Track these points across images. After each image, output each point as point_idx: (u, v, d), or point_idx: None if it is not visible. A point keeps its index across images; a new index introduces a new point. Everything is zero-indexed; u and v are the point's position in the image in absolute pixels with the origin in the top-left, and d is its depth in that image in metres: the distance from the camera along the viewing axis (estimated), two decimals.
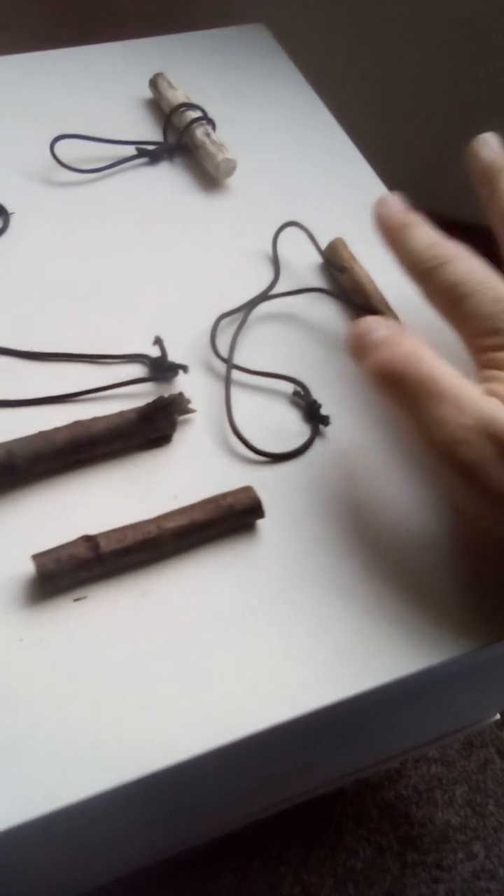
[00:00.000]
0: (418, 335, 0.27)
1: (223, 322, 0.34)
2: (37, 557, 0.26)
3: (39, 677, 0.25)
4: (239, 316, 0.35)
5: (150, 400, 0.30)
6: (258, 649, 0.26)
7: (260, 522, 0.28)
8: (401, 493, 0.30)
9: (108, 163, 0.41)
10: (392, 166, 0.48)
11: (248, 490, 0.28)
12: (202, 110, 0.43)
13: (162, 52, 0.49)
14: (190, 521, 0.27)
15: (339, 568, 0.28)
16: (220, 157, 0.40)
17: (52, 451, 0.29)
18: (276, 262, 0.37)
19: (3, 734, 0.23)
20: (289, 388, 0.33)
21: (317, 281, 0.38)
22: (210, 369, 0.33)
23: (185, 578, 0.27)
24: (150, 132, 0.44)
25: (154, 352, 0.32)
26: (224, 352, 0.33)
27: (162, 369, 0.32)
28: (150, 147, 0.42)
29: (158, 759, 0.23)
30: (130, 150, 0.42)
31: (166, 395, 0.30)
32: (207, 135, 0.42)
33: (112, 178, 0.41)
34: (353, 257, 0.37)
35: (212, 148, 0.41)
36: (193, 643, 0.26)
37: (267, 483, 0.30)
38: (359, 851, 0.63)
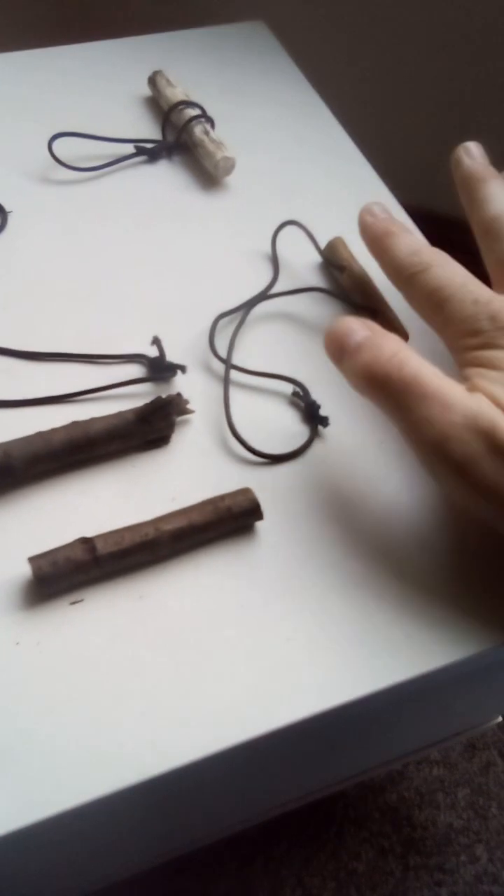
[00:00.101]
0: (395, 335, 0.27)
1: (222, 322, 0.34)
2: (33, 560, 0.25)
3: (36, 681, 0.24)
4: (238, 315, 0.34)
5: (148, 400, 0.30)
6: (257, 653, 0.25)
7: (258, 524, 0.28)
8: (400, 495, 0.29)
9: (106, 161, 0.41)
10: (392, 165, 0.47)
11: (246, 492, 0.28)
12: (201, 108, 0.43)
13: (161, 49, 0.49)
14: (188, 523, 0.27)
15: (339, 570, 0.27)
16: (219, 155, 0.40)
17: (50, 451, 0.28)
18: (275, 261, 0.37)
19: (0, 739, 0.23)
20: (288, 388, 0.32)
21: (316, 280, 0.37)
22: (208, 369, 0.33)
23: (183, 581, 0.27)
24: (148, 130, 0.44)
25: (152, 352, 0.32)
26: (223, 352, 0.33)
27: (160, 369, 0.32)
28: (149, 145, 0.42)
29: (157, 764, 0.23)
30: (129, 149, 0.42)
31: (164, 395, 0.30)
32: (206, 133, 0.41)
33: (110, 177, 0.41)
34: (352, 256, 0.36)
35: (210, 146, 0.41)
36: (191, 646, 0.25)
37: (266, 484, 0.29)
38: (361, 854, 0.63)
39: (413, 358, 0.26)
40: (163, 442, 0.30)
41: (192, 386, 0.32)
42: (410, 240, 0.31)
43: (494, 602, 0.27)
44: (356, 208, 0.38)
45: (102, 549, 0.26)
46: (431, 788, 0.67)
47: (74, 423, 0.29)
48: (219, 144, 0.41)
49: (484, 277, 0.29)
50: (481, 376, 0.26)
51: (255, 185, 0.41)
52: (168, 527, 0.27)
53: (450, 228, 0.34)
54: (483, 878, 0.63)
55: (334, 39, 0.79)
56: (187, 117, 0.42)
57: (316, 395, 0.32)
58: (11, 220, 0.38)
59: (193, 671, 0.25)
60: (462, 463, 0.24)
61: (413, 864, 0.63)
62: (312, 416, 0.31)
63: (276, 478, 0.30)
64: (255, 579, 0.27)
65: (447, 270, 0.28)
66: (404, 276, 0.30)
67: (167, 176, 0.42)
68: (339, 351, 0.27)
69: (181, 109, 0.43)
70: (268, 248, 0.38)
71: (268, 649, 0.25)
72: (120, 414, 0.29)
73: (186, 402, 0.30)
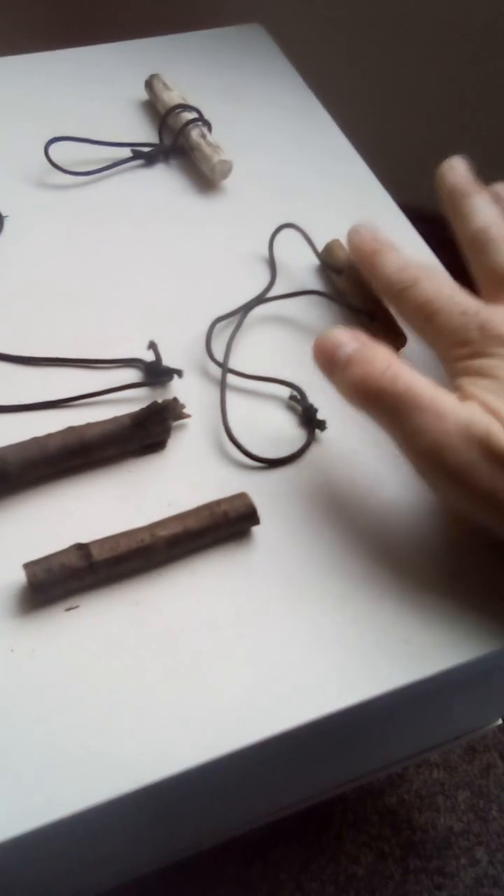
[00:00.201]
0: (384, 346, 0.27)
1: (219, 325, 0.34)
2: (28, 566, 0.25)
3: (31, 689, 0.24)
4: (234, 319, 0.34)
5: (144, 405, 0.29)
6: (253, 659, 0.25)
7: (255, 529, 0.28)
8: (398, 498, 0.29)
9: (103, 165, 0.41)
10: (389, 166, 0.47)
11: (242, 497, 0.27)
12: (198, 111, 0.43)
13: (158, 52, 0.49)
14: (184, 528, 0.27)
15: (336, 575, 0.27)
16: (216, 158, 0.40)
17: (45, 457, 0.28)
18: (272, 264, 0.37)
19: None
20: (285, 392, 0.32)
21: (314, 283, 0.37)
22: (205, 374, 0.33)
23: (178, 587, 0.27)
24: (145, 134, 0.44)
25: (149, 356, 0.32)
26: (219, 356, 0.33)
27: (156, 374, 0.32)
28: (146, 149, 0.42)
29: (153, 771, 0.23)
30: (126, 153, 0.42)
31: (161, 400, 0.29)
32: (203, 136, 0.41)
33: (107, 181, 0.41)
34: (349, 259, 0.36)
35: (207, 150, 0.41)
36: (188, 653, 0.25)
37: (262, 489, 0.29)
38: (360, 858, 0.63)
39: (405, 370, 0.26)
40: (159, 447, 0.30)
41: (189, 390, 0.32)
42: (398, 256, 0.32)
43: (493, 606, 0.27)
44: (354, 210, 0.38)
45: (98, 555, 0.26)
46: (431, 791, 0.67)
47: (70, 429, 0.29)
48: (215, 148, 0.41)
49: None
50: (473, 385, 0.26)
51: (252, 188, 0.41)
52: (164, 532, 0.26)
53: (447, 229, 0.34)
54: (483, 881, 0.63)
55: (332, 42, 0.79)
56: (184, 121, 0.42)
57: (313, 398, 0.32)
58: (8, 225, 0.38)
59: (190, 677, 0.25)
60: (457, 471, 0.24)
61: (413, 867, 0.63)
62: (309, 420, 0.31)
63: (273, 482, 0.30)
64: (251, 585, 0.27)
65: (434, 284, 0.29)
66: (394, 292, 0.31)
67: (164, 180, 0.42)
68: (330, 364, 0.27)
69: (178, 113, 0.42)
70: (265, 251, 0.38)
71: (265, 655, 0.25)
72: (116, 419, 0.29)
73: (183, 406, 0.30)
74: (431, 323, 0.29)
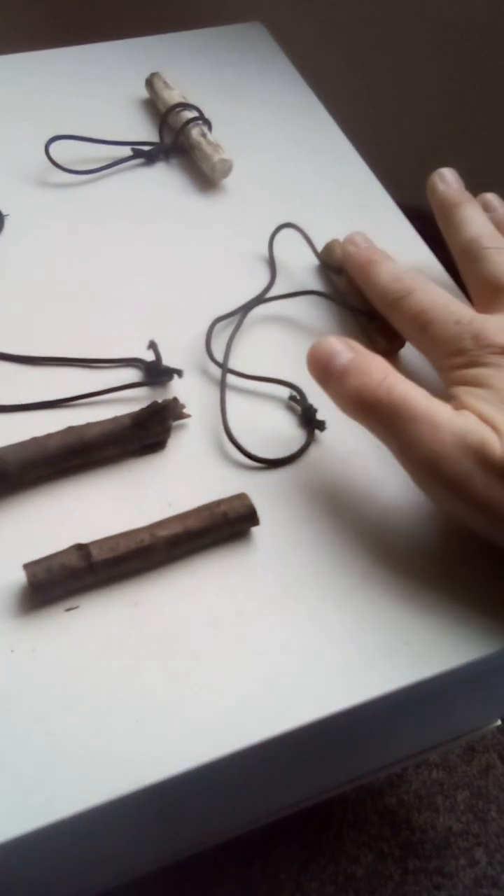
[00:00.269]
0: (379, 356, 0.27)
1: (219, 325, 0.34)
2: (28, 566, 0.25)
3: (31, 689, 0.24)
4: (234, 319, 0.34)
5: (144, 405, 0.29)
6: (253, 660, 0.25)
7: (254, 530, 0.28)
8: (397, 499, 0.29)
9: (103, 164, 0.41)
10: (389, 165, 0.47)
11: (242, 497, 0.27)
12: (198, 110, 0.42)
13: (158, 51, 0.49)
14: (183, 528, 0.27)
15: (336, 576, 0.27)
16: (216, 157, 0.40)
17: (45, 457, 0.28)
18: (272, 264, 0.37)
19: None
20: (284, 392, 0.32)
21: (313, 283, 0.37)
22: (205, 373, 0.33)
23: (178, 587, 0.27)
24: (146, 132, 0.44)
25: (149, 356, 0.32)
26: (219, 356, 0.33)
27: (156, 374, 0.32)
28: (146, 148, 0.42)
29: (152, 773, 0.23)
30: (126, 151, 0.42)
31: (161, 399, 0.29)
32: (203, 135, 0.41)
33: (107, 180, 0.41)
34: None
35: (208, 148, 0.40)
36: (187, 654, 0.25)
37: (262, 489, 0.29)
38: (360, 858, 0.63)
39: (400, 381, 0.26)
40: (159, 447, 0.30)
41: (189, 390, 0.32)
42: (392, 266, 0.32)
43: (492, 608, 0.27)
44: (354, 209, 0.38)
45: (97, 555, 0.26)
46: (431, 791, 0.67)
47: (70, 428, 0.29)
48: (216, 147, 0.40)
49: None
50: (468, 394, 0.26)
51: (252, 187, 0.41)
52: (164, 533, 0.26)
53: None
54: (482, 881, 0.63)
55: (332, 40, 0.79)
56: (184, 119, 0.42)
57: (312, 398, 0.32)
58: (8, 223, 0.38)
59: (189, 678, 0.25)
60: (454, 480, 0.25)
61: (412, 867, 0.63)
62: (309, 421, 0.31)
63: (273, 482, 0.29)
64: (251, 585, 0.27)
65: (429, 294, 0.30)
66: (388, 302, 0.31)
67: (164, 178, 0.42)
68: (325, 373, 0.28)
69: (178, 111, 0.42)
70: (265, 250, 0.38)
71: (264, 656, 0.25)
72: (116, 419, 0.29)
73: (183, 406, 0.30)
74: (426, 333, 0.29)
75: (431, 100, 0.83)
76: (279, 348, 0.34)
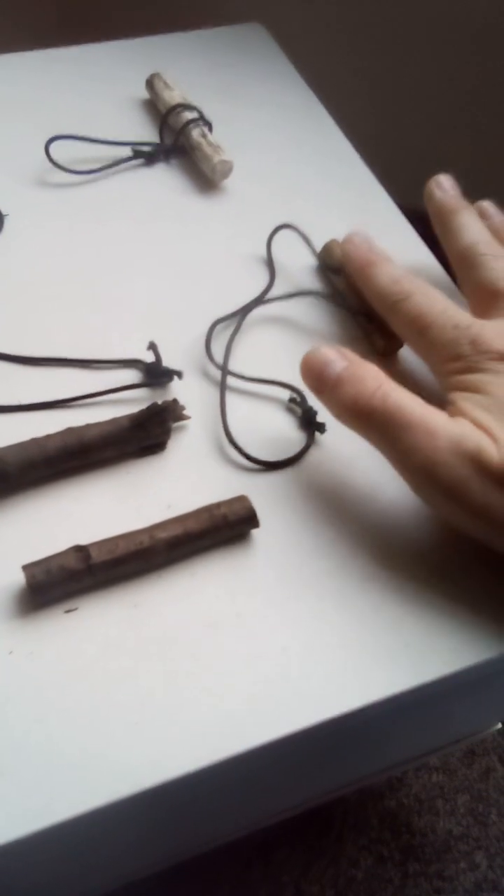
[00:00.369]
0: (373, 364, 0.27)
1: (219, 326, 0.34)
2: (27, 568, 0.25)
3: (30, 691, 0.24)
4: (234, 320, 0.34)
5: (144, 406, 0.29)
6: (253, 662, 0.25)
7: (254, 532, 0.28)
8: (397, 502, 0.29)
9: (103, 164, 0.41)
10: (389, 166, 0.47)
11: (242, 499, 0.27)
12: (199, 111, 0.42)
13: (158, 51, 0.49)
14: (183, 530, 0.26)
15: (336, 579, 0.27)
16: (217, 158, 0.40)
17: (44, 458, 0.28)
18: (270, 265, 0.37)
19: None
20: (284, 394, 0.32)
21: (313, 284, 0.37)
22: (205, 375, 0.33)
23: (177, 589, 0.26)
24: (146, 133, 0.44)
25: (148, 357, 0.32)
26: (219, 357, 0.33)
27: (156, 375, 0.32)
28: (146, 148, 0.42)
29: (151, 776, 0.23)
30: (126, 152, 0.42)
31: (160, 401, 0.29)
32: (204, 136, 0.41)
33: (107, 180, 0.41)
34: None
35: (208, 149, 0.40)
36: (186, 656, 0.25)
37: (262, 491, 0.29)
38: (359, 861, 0.62)
39: (395, 388, 0.26)
40: (158, 448, 0.30)
41: (189, 392, 0.32)
42: (391, 269, 0.32)
43: (493, 612, 0.26)
44: (354, 210, 0.38)
45: (97, 557, 0.25)
46: (431, 795, 0.67)
47: (69, 430, 0.29)
48: (216, 148, 0.40)
49: None
50: (465, 400, 0.26)
51: (252, 188, 0.41)
52: (163, 535, 0.26)
53: None
54: (483, 885, 0.63)
55: (332, 41, 0.79)
56: (185, 120, 0.42)
57: (313, 401, 0.32)
58: (8, 224, 0.38)
59: (188, 681, 0.24)
60: (451, 487, 0.25)
61: (412, 871, 0.62)
62: (309, 423, 0.31)
63: (273, 485, 0.29)
64: (251, 588, 0.27)
65: (428, 298, 0.30)
66: (387, 305, 0.31)
67: (164, 179, 0.41)
68: (319, 383, 0.28)
69: (179, 112, 0.42)
70: (265, 251, 0.38)
71: (264, 659, 0.25)
72: (115, 420, 0.29)
73: (182, 408, 0.30)
74: (424, 337, 0.29)
75: (432, 100, 0.83)
76: (279, 350, 0.34)
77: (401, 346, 0.34)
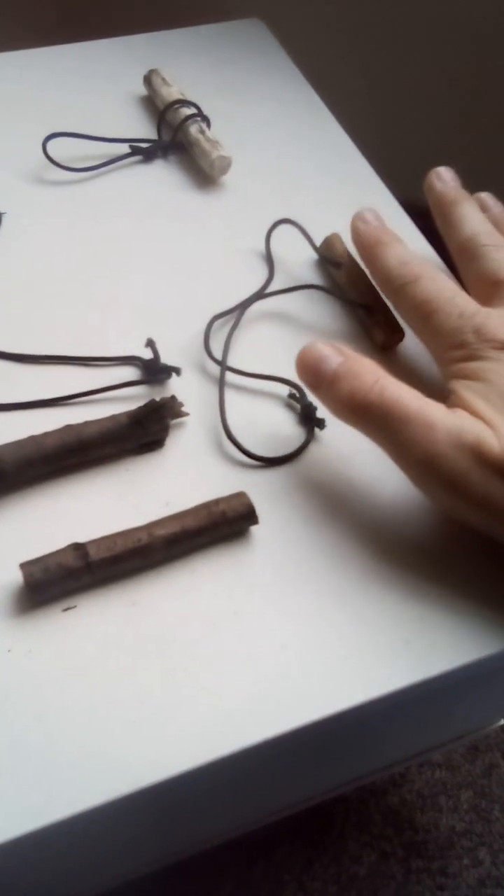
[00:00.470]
0: (369, 359, 0.27)
1: (218, 322, 0.34)
2: (25, 566, 0.25)
3: (28, 689, 0.24)
4: (233, 316, 0.34)
5: (142, 403, 0.29)
6: (252, 660, 0.25)
7: (253, 529, 0.28)
8: (397, 498, 0.29)
9: (101, 161, 0.41)
10: (389, 161, 0.47)
11: (241, 496, 0.27)
12: (197, 107, 0.42)
13: (156, 47, 0.49)
14: (182, 528, 0.26)
15: (335, 575, 0.27)
16: (215, 154, 0.40)
17: (42, 455, 0.28)
18: (269, 259, 0.37)
19: None
20: (284, 390, 0.32)
21: (312, 278, 0.37)
22: (204, 371, 0.33)
23: (176, 587, 0.26)
24: (144, 129, 0.43)
25: (147, 354, 0.32)
26: (218, 353, 0.32)
27: (155, 372, 0.31)
28: (144, 145, 0.42)
29: (150, 774, 0.23)
30: (124, 148, 0.41)
31: (159, 398, 0.29)
32: (202, 132, 0.41)
33: (105, 177, 0.41)
34: (348, 253, 0.36)
35: (206, 145, 0.40)
36: (185, 654, 0.25)
37: (261, 488, 0.29)
38: (362, 858, 0.62)
39: (392, 383, 0.26)
40: (157, 445, 0.30)
41: (187, 388, 0.32)
42: (401, 250, 0.32)
43: (494, 606, 0.26)
44: (354, 205, 0.37)
45: (95, 554, 0.25)
46: (433, 791, 0.66)
47: (67, 427, 0.28)
48: (214, 143, 0.40)
49: None
50: (465, 388, 0.26)
51: (251, 184, 0.41)
52: (162, 532, 0.26)
53: None
54: (486, 881, 0.62)
55: (332, 36, 0.78)
56: (183, 116, 0.41)
57: (312, 396, 0.31)
58: (5, 221, 0.38)
59: (187, 679, 0.24)
60: (451, 479, 0.25)
61: (415, 867, 0.62)
62: (308, 419, 0.31)
63: (272, 481, 0.29)
64: (250, 585, 0.26)
65: (435, 283, 0.29)
66: (394, 287, 0.31)
67: (163, 176, 0.41)
68: (315, 379, 0.28)
69: (177, 108, 0.42)
70: (264, 247, 0.37)
71: (263, 656, 0.25)
72: (113, 417, 0.29)
73: (181, 404, 0.30)
74: (429, 323, 0.29)
75: (432, 95, 0.83)
76: (278, 345, 0.34)
77: (401, 339, 0.33)
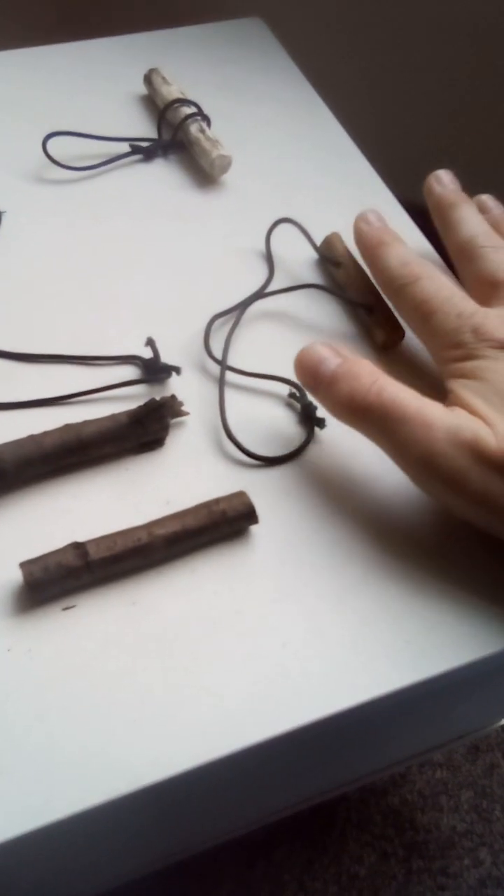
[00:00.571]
0: (366, 361, 0.28)
1: (218, 321, 0.34)
2: (24, 565, 0.25)
3: (28, 688, 0.24)
4: (233, 315, 0.34)
5: (142, 402, 0.29)
6: (252, 659, 0.25)
7: (253, 528, 0.28)
8: (397, 497, 0.29)
9: (101, 160, 0.41)
10: (390, 161, 0.47)
11: (241, 495, 0.27)
12: (197, 106, 0.42)
13: (157, 46, 0.49)
14: (181, 527, 0.26)
15: (335, 575, 0.27)
16: (215, 153, 0.40)
17: (42, 455, 0.28)
18: (269, 259, 0.37)
19: None
20: (284, 389, 0.32)
21: (313, 277, 0.37)
22: (204, 371, 0.33)
23: (176, 586, 0.26)
24: (144, 129, 0.43)
25: (146, 353, 0.32)
26: (218, 352, 0.32)
27: (154, 371, 0.31)
28: (145, 144, 0.42)
29: (150, 773, 0.23)
30: (124, 147, 0.41)
31: (158, 397, 0.29)
32: (202, 131, 0.41)
33: (105, 176, 0.41)
34: (348, 252, 0.36)
35: (206, 144, 0.40)
36: (185, 653, 0.25)
37: (261, 487, 0.29)
38: (363, 858, 0.62)
39: (390, 383, 0.26)
40: (157, 445, 0.30)
41: (187, 387, 0.32)
42: (402, 250, 0.32)
43: (495, 605, 0.26)
44: (354, 204, 0.37)
45: (95, 554, 0.25)
46: (434, 791, 0.66)
47: (67, 426, 0.28)
48: (214, 142, 0.40)
49: None
50: (463, 387, 0.27)
51: (251, 183, 0.41)
52: (161, 531, 0.26)
53: None
54: (487, 881, 0.62)
55: (332, 36, 0.78)
56: (183, 115, 0.41)
57: (312, 396, 0.31)
58: (5, 220, 0.38)
59: (187, 678, 0.24)
60: (450, 477, 0.25)
61: (416, 867, 0.62)
62: (309, 418, 0.31)
63: (272, 480, 0.29)
64: (250, 584, 0.26)
65: (434, 283, 0.30)
66: (394, 287, 0.31)
67: (163, 175, 0.41)
68: (314, 380, 0.28)
69: (177, 107, 0.42)
70: (264, 246, 0.37)
71: (263, 656, 0.25)
72: (113, 416, 0.29)
73: (181, 404, 0.30)
74: (428, 323, 0.29)
75: (432, 94, 0.83)
76: (278, 344, 0.34)
77: (401, 338, 0.33)
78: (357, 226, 0.34)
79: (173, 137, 0.42)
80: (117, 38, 0.49)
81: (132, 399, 0.31)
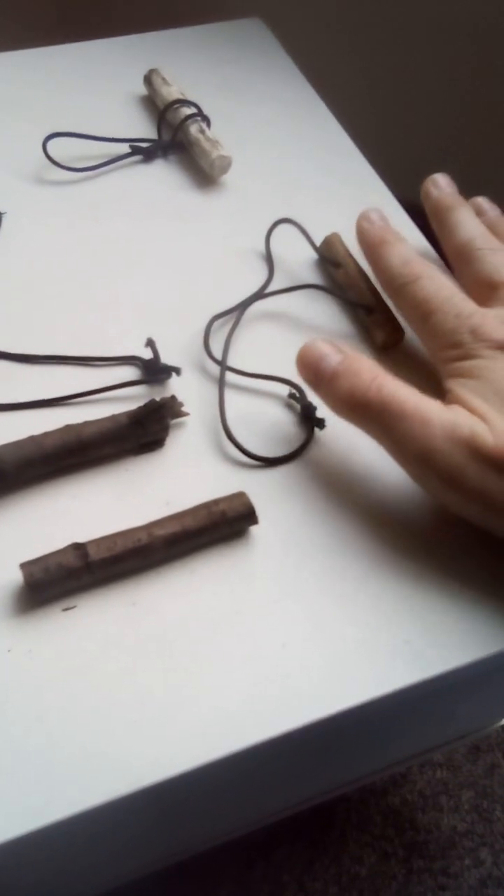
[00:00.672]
0: (367, 358, 0.28)
1: (218, 322, 0.34)
2: (25, 566, 0.25)
3: (28, 689, 0.24)
4: (233, 316, 0.34)
5: (142, 403, 0.29)
6: (252, 660, 0.25)
7: (253, 529, 0.28)
8: (397, 498, 0.29)
9: (101, 161, 0.41)
10: (390, 162, 0.47)
11: (241, 496, 0.27)
12: (197, 107, 0.42)
13: (156, 47, 0.49)
14: (181, 528, 0.26)
15: (335, 575, 0.27)
16: (215, 154, 0.40)
17: (42, 456, 0.28)
18: (269, 259, 0.37)
19: None
20: (284, 389, 0.32)
21: (312, 277, 0.37)
22: (204, 371, 0.33)
23: (176, 587, 0.26)
24: (144, 129, 0.43)
25: (146, 354, 0.32)
26: (218, 353, 0.32)
27: (154, 372, 0.31)
28: (145, 144, 0.42)
29: (150, 774, 0.23)
30: (124, 148, 0.41)
31: (158, 398, 0.29)
32: (202, 131, 0.41)
33: (105, 177, 0.41)
34: (348, 253, 0.36)
35: (206, 145, 0.40)
36: (185, 653, 0.25)
37: (261, 488, 0.29)
38: (363, 858, 0.62)
39: (390, 380, 0.27)
40: (157, 445, 0.30)
41: (187, 388, 0.32)
42: (404, 250, 0.32)
43: (495, 606, 0.26)
44: (354, 204, 0.37)
45: (95, 554, 0.25)
46: (435, 791, 0.66)
47: (67, 427, 0.28)
48: (214, 143, 0.40)
49: None
50: (460, 386, 0.27)
51: (251, 183, 0.41)
52: (161, 532, 0.26)
53: None
54: (487, 882, 0.62)
55: (332, 36, 0.78)
56: (183, 116, 0.41)
57: (312, 396, 0.31)
58: (5, 221, 0.38)
59: (187, 678, 0.24)
60: (448, 473, 0.25)
61: (416, 867, 0.62)
62: (308, 418, 0.31)
63: (272, 481, 0.29)
64: (249, 585, 0.26)
65: (435, 283, 0.30)
66: (395, 286, 0.31)
67: (163, 175, 0.41)
68: (315, 376, 0.28)
69: (177, 108, 0.42)
70: (264, 246, 0.37)
71: (263, 656, 0.25)
72: (113, 417, 0.29)
73: (181, 404, 0.30)
74: (427, 322, 0.29)
75: (432, 95, 0.83)
76: (278, 345, 0.34)
77: (401, 339, 0.33)
78: (359, 224, 0.35)
79: (173, 138, 0.42)
80: (117, 39, 0.49)
81: (132, 400, 0.31)
